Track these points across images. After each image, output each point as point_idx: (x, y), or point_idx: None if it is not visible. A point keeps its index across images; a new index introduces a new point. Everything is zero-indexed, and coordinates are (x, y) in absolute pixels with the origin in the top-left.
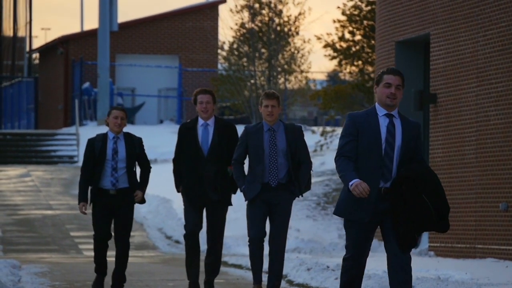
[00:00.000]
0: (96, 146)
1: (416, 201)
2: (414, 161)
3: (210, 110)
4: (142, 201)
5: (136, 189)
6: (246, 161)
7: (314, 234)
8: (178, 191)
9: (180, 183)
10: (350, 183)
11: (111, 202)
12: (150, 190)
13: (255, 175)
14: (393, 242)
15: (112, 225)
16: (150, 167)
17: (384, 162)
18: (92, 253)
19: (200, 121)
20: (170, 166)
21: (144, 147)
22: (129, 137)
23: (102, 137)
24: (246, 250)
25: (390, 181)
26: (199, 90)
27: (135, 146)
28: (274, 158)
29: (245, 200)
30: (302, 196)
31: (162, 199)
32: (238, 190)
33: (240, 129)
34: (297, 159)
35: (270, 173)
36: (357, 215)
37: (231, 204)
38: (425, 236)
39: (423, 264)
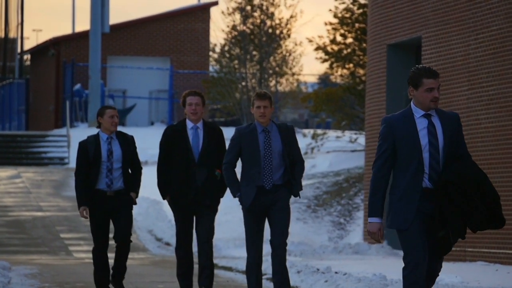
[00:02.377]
0: (89, 148)
1: (465, 202)
2: (457, 160)
3: (200, 112)
4: (134, 202)
5: (131, 190)
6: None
7: (304, 236)
8: (164, 199)
9: (168, 191)
10: (370, 220)
11: (108, 205)
12: (140, 192)
13: (250, 178)
14: (430, 248)
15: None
16: (141, 168)
17: (431, 165)
18: (82, 255)
19: (189, 124)
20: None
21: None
22: (122, 136)
23: (94, 139)
24: (236, 253)
25: (436, 183)
26: (188, 92)
27: (129, 145)
28: (269, 160)
29: (242, 208)
30: (300, 197)
31: (152, 201)
32: (228, 192)
33: (230, 131)
34: (291, 159)
35: (264, 176)
36: (398, 225)
37: (217, 211)
38: None
39: None
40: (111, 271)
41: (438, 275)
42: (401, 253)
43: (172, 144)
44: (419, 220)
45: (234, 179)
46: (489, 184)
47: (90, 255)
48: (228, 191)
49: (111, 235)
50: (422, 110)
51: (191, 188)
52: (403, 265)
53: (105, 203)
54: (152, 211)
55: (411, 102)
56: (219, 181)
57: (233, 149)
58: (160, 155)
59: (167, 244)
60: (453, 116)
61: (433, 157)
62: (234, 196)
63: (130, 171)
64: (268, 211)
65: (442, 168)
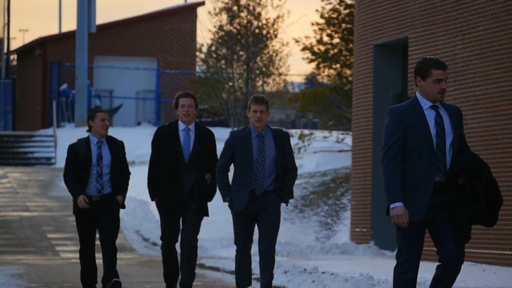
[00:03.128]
0: (80, 152)
1: (472, 193)
2: (465, 152)
3: (192, 114)
4: (122, 206)
5: (117, 193)
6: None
7: (291, 237)
8: (153, 200)
9: (156, 193)
10: (392, 206)
11: (95, 210)
12: (127, 192)
13: (242, 183)
14: (447, 236)
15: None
16: (130, 173)
17: (438, 156)
18: (69, 255)
19: (181, 126)
20: (147, 168)
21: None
22: (112, 141)
23: (85, 142)
24: (223, 253)
25: (444, 175)
26: (181, 93)
27: (119, 150)
28: (261, 166)
29: (232, 213)
30: (287, 205)
31: (139, 201)
32: (216, 197)
33: (217, 131)
34: (284, 166)
35: (256, 181)
36: (411, 217)
37: (207, 215)
38: None
39: None
40: (98, 272)
41: (462, 262)
42: (388, 253)
43: (163, 145)
44: (425, 220)
45: (225, 184)
46: (496, 182)
47: (77, 255)
48: (217, 195)
49: (97, 236)
50: (429, 101)
51: (179, 191)
52: (390, 265)
53: (92, 208)
54: (139, 211)
55: (417, 93)
56: (208, 186)
57: (226, 153)
58: (152, 156)
59: (154, 244)
60: (457, 109)
61: (439, 148)
62: (224, 201)
63: (120, 174)
64: (258, 215)
65: (451, 160)
